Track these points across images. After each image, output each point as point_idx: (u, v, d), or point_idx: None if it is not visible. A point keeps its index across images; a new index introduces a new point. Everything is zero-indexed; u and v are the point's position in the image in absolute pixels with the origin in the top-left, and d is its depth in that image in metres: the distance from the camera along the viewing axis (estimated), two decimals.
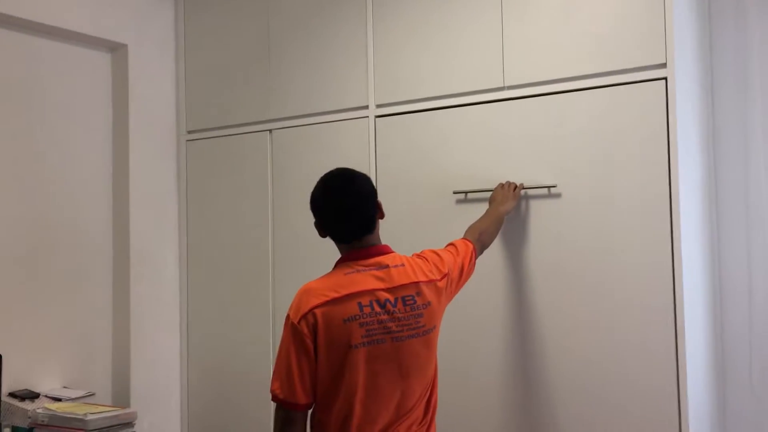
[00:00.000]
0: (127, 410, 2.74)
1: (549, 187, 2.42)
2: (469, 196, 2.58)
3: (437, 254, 2.00)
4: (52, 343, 2.94)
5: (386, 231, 2.70)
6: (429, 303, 1.86)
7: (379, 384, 1.81)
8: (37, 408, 2.65)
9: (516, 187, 2.43)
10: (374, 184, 2.07)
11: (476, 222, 2.33)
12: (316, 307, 1.80)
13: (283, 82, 3.05)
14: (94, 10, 3.05)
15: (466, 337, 2.56)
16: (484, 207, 2.53)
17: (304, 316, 1.80)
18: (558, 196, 2.41)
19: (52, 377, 2.93)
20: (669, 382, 2.20)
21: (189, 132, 3.35)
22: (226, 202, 3.23)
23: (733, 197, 2.60)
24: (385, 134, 2.78)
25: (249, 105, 3.15)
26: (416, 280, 1.86)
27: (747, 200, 2.57)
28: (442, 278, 1.93)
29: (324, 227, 1.94)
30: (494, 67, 2.55)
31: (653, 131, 2.26)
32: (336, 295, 1.81)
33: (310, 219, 2.65)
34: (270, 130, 3.09)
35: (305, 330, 1.79)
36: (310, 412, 1.87)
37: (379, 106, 2.80)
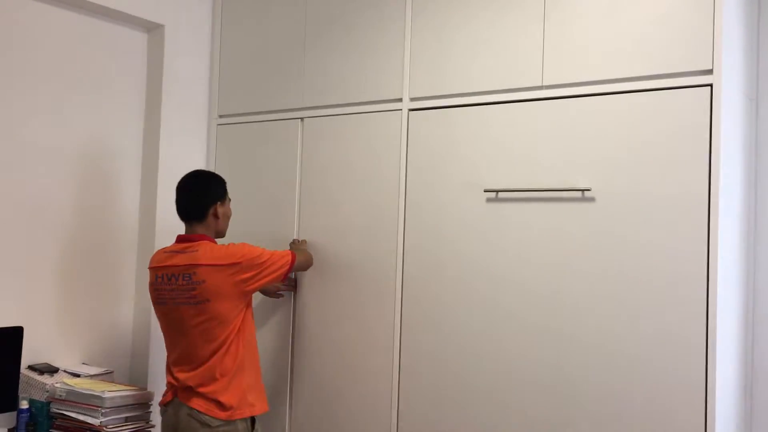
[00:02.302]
0: (144, 391, 2.74)
1: (583, 190, 2.36)
2: (500, 195, 2.54)
3: (245, 247, 2.56)
4: (73, 318, 2.95)
5: (415, 225, 2.70)
6: (204, 281, 2.45)
7: (170, 335, 2.57)
8: (56, 382, 2.66)
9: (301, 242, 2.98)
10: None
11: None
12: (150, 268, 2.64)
13: (318, 70, 3.02)
14: None
15: (497, 339, 2.52)
16: (515, 207, 2.50)
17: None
18: (592, 200, 2.36)
19: (71, 353, 2.94)
20: (697, 396, 2.14)
21: (220, 116, 3.34)
22: (254, 188, 3.21)
23: None
24: (418, 128, 2.75)
25: (282, 92, 3.13)
26: (196, 263, 2.47)
27: None
28: (232, 264, 2.48)
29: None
30: (533, 66, 2.49)
31: (695, 139, 2.19)
32: (150, 265, 2.62)
33: (337, 209, 2.72)
34: (301, 119, 3.07)
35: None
36: None
37: (413, 99, 2.76)
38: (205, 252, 2.49)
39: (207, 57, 3.36)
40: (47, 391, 2.64)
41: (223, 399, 2.45)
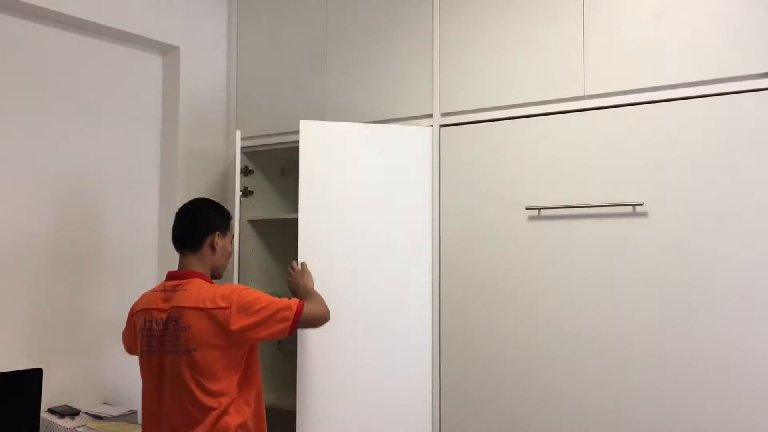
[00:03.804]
0: None
1: (634, 205, 2.22)
2: (543, 212, 2.39)
3: (238, 288, 2.11)
4: (91, 356, 2.81)
5: (451, 248, 2.55)
6: (188, 327, 2.06)
7: (154, 387, 2.13)
8: (78, 426, 2.51)
9: (302, 267, 2.49)
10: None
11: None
12: (133, 313, 2.23)
13: (341, 87, 2.90)
14: (146, 10, 2.94)
15: (544, 367, 2.37)
16: (558, 225, 2.36)
17: (131, 315, 2.25)
18: (644, 215, 2.21)
19: (91, 392, 2.80)
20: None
21: (241, 138, 3.20)
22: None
23: None
24: (451, 145, 2.61)
25: (303, 111, 2.99)
26: (183, 305, 2.08)
27: None
28: (220, 309, 2.05)
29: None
30: (574, 75, 2.36)
31: (758, 145, 2.05)
32: (140, 307, 2.20)
33: (361, 231, 2.43)
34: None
35: (130, 321, 2.25)
36: None
37: (444, 114, 2.63)
38: (192, 292, 2.09)
39: (224, 77, 3.24)
40: None
41: None
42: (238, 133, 2.82)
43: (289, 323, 2.09)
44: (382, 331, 2.58)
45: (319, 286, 2.41)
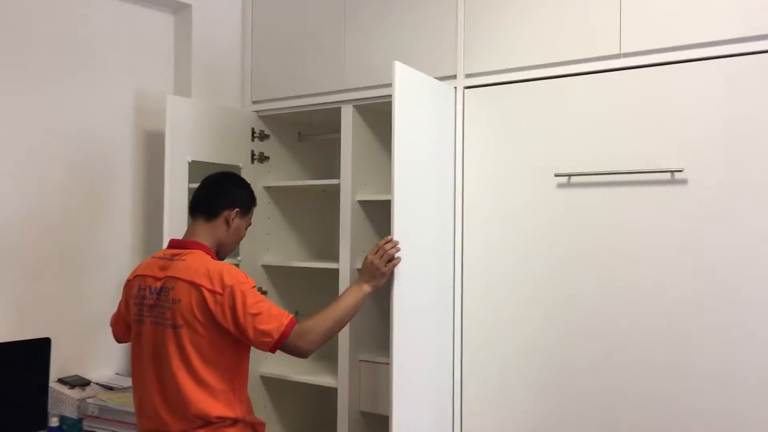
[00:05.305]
0: None
1: (673, 171, 2.06)
2: (573, 179, 2.25)
3: (239, 283, 1.90)
4: (104, 326, 2.73)
5: (474, 217, 2.42)
6: (179, 300, 1.91)
7: (142, 362, 1.99)
8: (88, 397, 2.45)
9: (391, 259, 2.12)
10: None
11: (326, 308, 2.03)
12: (129, 280, 2.10)
13: (360, 47, 2.75)
14: None
15: (575, 342, 2.24)
16: (589, 192, 2.21)
17: (127, 283, 2.11)
18: (684, 182, 2.06)
19: (103, 363, 2.73)
20: None
21: (254, 102, 3.09)
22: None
23: None
24: (475, 107, 2.46)
25: (321, 73, 2.85)
26: (177, 276, 1.94)
27: None
28: (212, 291, 1.89)
29: None
30: (609, 31, 2.19)
31: None
32: (136, 274, 2.07)
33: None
34: (342, 102, 2.79)
35: (125, 292, 2.12)
36: None
37: (468, 75, 2.47)
38: (191, 264, 1.94)
39: (238, 37, 3.10)
40: (79, 407, 2.43)
41: None
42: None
43: (273, 339, 1.88)
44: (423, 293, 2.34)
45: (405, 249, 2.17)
